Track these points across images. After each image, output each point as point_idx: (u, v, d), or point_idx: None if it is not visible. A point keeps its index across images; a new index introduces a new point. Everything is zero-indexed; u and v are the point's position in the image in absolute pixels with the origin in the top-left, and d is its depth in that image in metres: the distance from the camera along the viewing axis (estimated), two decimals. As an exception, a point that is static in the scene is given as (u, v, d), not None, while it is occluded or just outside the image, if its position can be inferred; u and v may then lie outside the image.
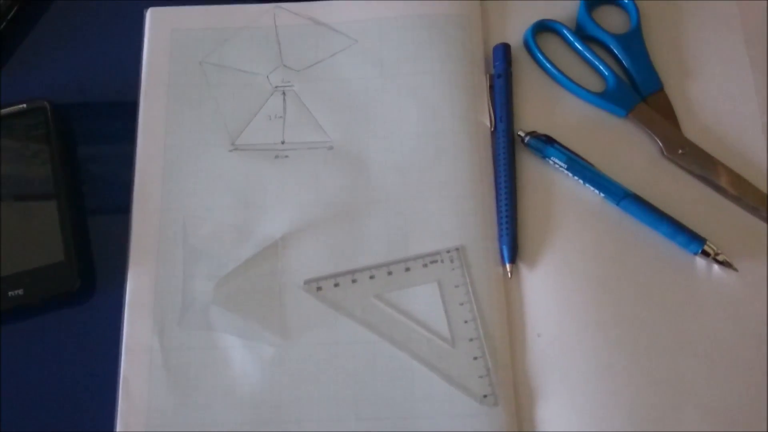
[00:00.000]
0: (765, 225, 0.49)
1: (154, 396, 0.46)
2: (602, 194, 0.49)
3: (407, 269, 0.48)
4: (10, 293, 0.47)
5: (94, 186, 0.52)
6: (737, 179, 0.50)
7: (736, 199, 0.49)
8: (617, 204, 0.49)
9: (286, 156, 0.51)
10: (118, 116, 0.54)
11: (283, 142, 0.51)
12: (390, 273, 0.48)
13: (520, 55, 0.54)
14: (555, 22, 0.54)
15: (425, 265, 0.48)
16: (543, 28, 0.54)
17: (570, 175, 0.50)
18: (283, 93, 0.53)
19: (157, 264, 0.48)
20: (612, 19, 0.55)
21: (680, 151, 0.50)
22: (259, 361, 0.46)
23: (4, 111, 0.52)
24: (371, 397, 0.45)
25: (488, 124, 0.51)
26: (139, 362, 0.46)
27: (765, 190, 0.49)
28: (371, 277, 0.48)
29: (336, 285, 0.48)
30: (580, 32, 0.54)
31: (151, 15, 0.55)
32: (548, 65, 0.53)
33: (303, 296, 0.48)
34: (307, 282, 0.48)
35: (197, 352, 0.47)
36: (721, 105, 0.52)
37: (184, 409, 0.45)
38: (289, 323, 0.47)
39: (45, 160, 0.51)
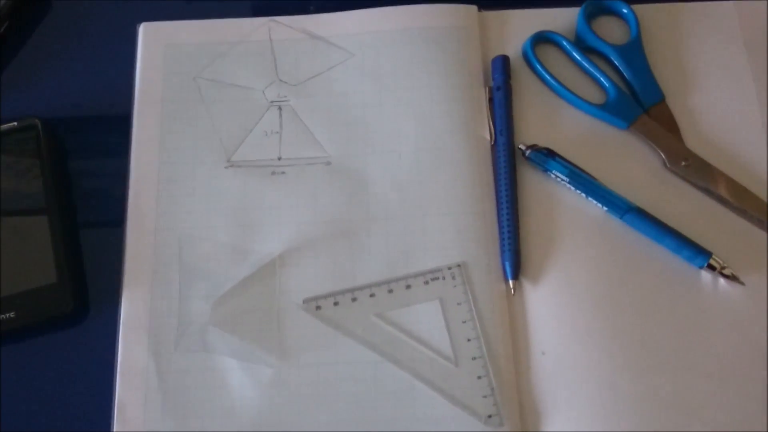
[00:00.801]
0: (770, 237, 0.48)
1: (149, 420, 0.45)
2: (605, 208, 0.48)
3: (408, 287, 0.47)
4: (2, 316, 0.46)
5: (87, 205, 0.51)
6: (741, 191, 0.49)
7: (741, 212, 0.49)
8: (621, 218, 0.48)
9: (283, 172, 0.50)
10: (112, 133, 0.53)
11: (279, 158, 0.51)
12: (391, 291, 0.47)
13: (519, 68, 0.53)
14: (554, 33, 0.53)
15: (426, 283, 0.47)
16: (542, 39, 0.53)
17: (572, 188, 0.49)
18: (279, 108, 0.52)
19: (152, 284, 0.47)
20: (611, 30, 0.54)
21: (683, 163, 0.50)
22: (258, 384, 0.45)
23: (-5, 129, 0.51)
24: (373, 418, 0.44)
25: (488, 137, 0.51)
26: (134, 385, 0.45)
27: (770, 202, 0.49)
28: (371, 296, 0.47)
29: (336, 304, 0.47)
30: (580, 43, 0.53)
31: (144, 30, 0.54)
32: (548, 77, 0.52)
33: (302, 316, 0.47)
34: (306, 301, 0.47)
35: (194, 375, 0.45)
36: (724, 115, 0.52)
37: (181, 434, 0.44)
38: (288, 344, 0.46)
39: (36, 178, 0.49)
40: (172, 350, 0.46)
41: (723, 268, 0.46)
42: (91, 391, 0.46)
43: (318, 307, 0.47)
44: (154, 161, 0.50)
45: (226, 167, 0.50)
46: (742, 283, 0.47)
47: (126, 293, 0.47)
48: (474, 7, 0.54)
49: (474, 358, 0.45)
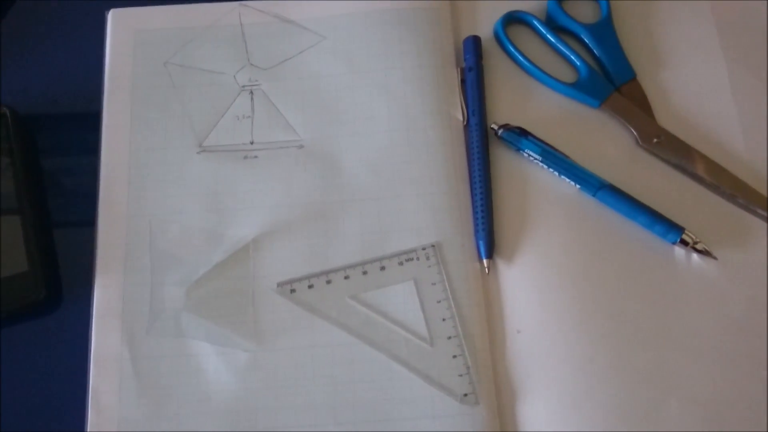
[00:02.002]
0: (743, 212, 0.49)
1: (124, 406, 0.44)
2: (578, 186, 0.48)
3: (382, 268, 0.47)
4: (-28, 306, 0.46)
5: (57, 193, 0.51)
6: (713, 167, 0.49)
7: (713, 187, 0.49)
8: (593, 195, 0.48)
9: (256, 156, 0.50)
10: (82, 121, 0.52)
11: (252, 143, 0.50)
12: (365, 272, 0.47)
13: (491, 48, 0.53)
14: (525, 13, 0.53)
15: (401, 264, 0.47)
16: (513, 19, 0.53)
17: (545, 167, 0.49)
18: (251, 92, 0.52)
19: (125, 271, 0.47)
20: (582, 9, 0.54)
21: (655, 140, 0.50)
22: (233, 368, 0.45)
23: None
24: (349, 400, 0.44)
25: (461, 118, 0.51)
26: (108, 372, 0.45)
27: (741, 177, 0.49)
28: (346, 278, 0.47)
29: (310, 286, 0.47)
30: (551, 23, 0.53)
31: (113, 16, 0.53)
32: (520, 57, 0.52)
33: (276, 299, 0.46)
34: (281, 284, 0.47)
35: (169, 361, 0.45)
36: (695, 92, 0.52)
37: (157, 419, 0.44)
38: (263, 327, 0.46)
39: (6, 167, 0.49)
40: (146, 336, 0.46)
41: (696, 243, 0.47)
42: (65, 379, 0.46)
43: (292, 290, 0.47)
44: (125, 148, 0.50)
45: (197, 152, 0.50)
46: (714, 258, 0.47)
47: (99, 280, 0.47)
48: (445, -12, 0.54)
49: (449, 338, 0.45)
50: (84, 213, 0.49)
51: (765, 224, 0.48)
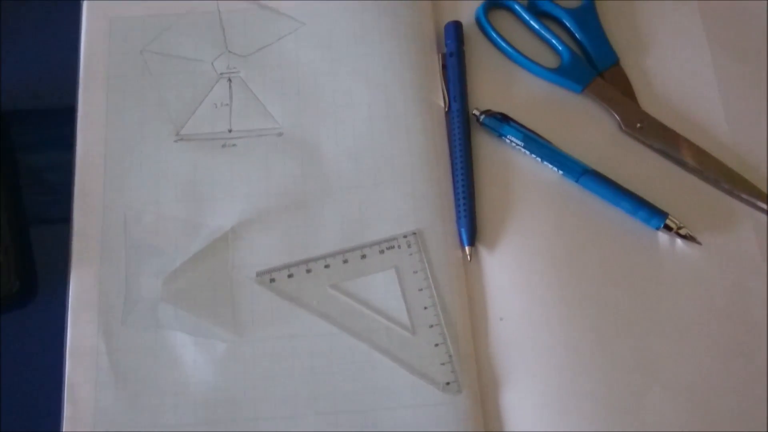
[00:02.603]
0: (727, 197, 0.48)
1: (101, 399, 0.43)
2: (561, 171, 0.48)
3: (363, 256, 0.46)
4: (-55, 300, 0.45)
5: (31, 184, 0.50)
6: (697, 151, 0.49)
7: (697, 172, 0.48)
8: (576, 181, 0.48)
9: (234, 144, 0.49)
10: (58, 111, 0.51)
11: (230, 131, 0.49)
12: (346, 261, 0.46)
13: (472, 33, 0.52)
14: (507, -2, 0.53)
15: (382, 252, 0.46)
16: (494, 4, 0.53)
17: (527, 153, 0.48)
18: (229, 80, 0.51)
19: (101, 262, 0.46)
20: (565, -6, 0.54)
21: (638, 125, 0.49)
22: (212, 359, 0.44)
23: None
24: (330, 391, 0.44)
25: (442, 104, 0.50)
26: (84, 365, 0.44)
27: (725, 162, 0.48)
28: (326, 266, 0.46)
29: (290, 276, 0.46)
30: (533, 8, 0.53)
31: (88, 4, 0.52)
32: (501, 42, 0.51)
33: (256, 289, 0.46)
34: (260, 274, 0.46)
35: (146, 353, 0.44)
36: (678, 77, 0.51)
37: (134, 412, 0.43)
38: (242, 318, 0.45)
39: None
40: (123, 329, 0.45)
41: (680, 228, 0.46)
42: (40, 373, 0.45)
43: (272, 280, 0.46)
44: (100, 137, 0.49)
45: (175, 141, 0.49)
46: (699, 243, 0.46)
47: (74, 272, 0.46)
48: (426, -27, 0.53)
49: (431, 326, 0.45)
50: (59, 202, 0.48)
51: (749, 209, 0.48)
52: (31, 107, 0.52)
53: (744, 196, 0.48)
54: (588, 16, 0.52)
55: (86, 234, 0.47)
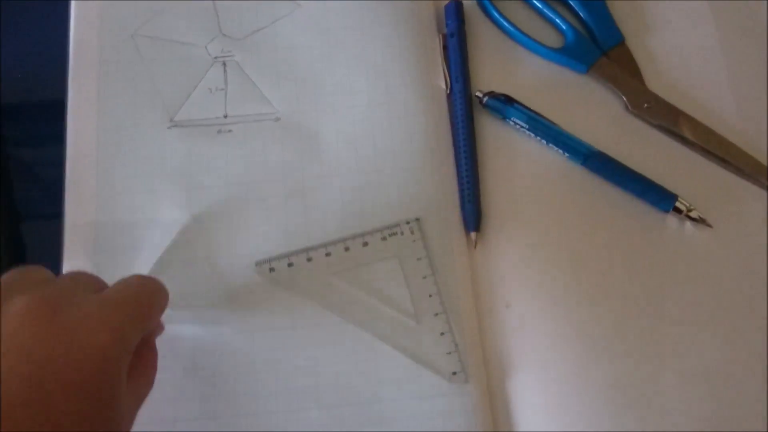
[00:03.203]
0: (736, 177, 0.47)
1: (97, 396, 0.42)
2: (567, 154, 0.47)
3: (365, 244, 0.45)
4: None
5: (21, 177, 0.48)
6: (705, 131, 0.47)
7: (706, 153, 0.47)
8: (583, 163, 0.46)
9: (230, 130, 0.48)
10: (46, 100, 0.50)
11: (225, 116, 0.48)
12: (347, 249, 0.45)
13: (473, 13, 0.51)
14: (508, -24, 0.51)
15: (384, 239, 0.45)
16: (496, -17, 0.51)
17: (532, 135, 0.47)
18: (224, 64, 0.49)
19: (95, 256, 0.45)
20: (568, -28, 0.52)
21: (645, 105, 0.48)
22: (211, 352, 0.43)
23: None
24: (333, 382, 0.42)
25: (443, 86, 0.49)
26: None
27: (734, 142, 0.47)
28: (327, 255, 0.45)
29: (290, 265, 0.45)
30: (536, -14, 0.51)
31: (77, -12, 0.51)
32: (504, 22, 0.50)
33: (255, 279, 0.44)
34: (259, 263, 0.45)
35: (143, 346, 0.43)
36: (685, 55, 0.50)
37: (131, 408, 0.42)
38: (241, 309, 0.44)
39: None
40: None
41: (690, 210, 0.45)
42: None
43: (272, 269, 0.44)
44: (92, 125, 0.47)
45: (169, 128, 0.48)
46: (709, 226, 0.45)
47: (67, 267, 0.45)
48: (424, -48, 0.52)
49: (436, 315, 0.43)
50: (50, 195, 0.47)
51: (759, 189, 0.47)
52: (19, 97, 0.50)
53: (754, 176, 0.46)
54: (592, -6, 0.50)
55: (79, 227, 0.45)
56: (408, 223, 0.45)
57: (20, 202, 0.48)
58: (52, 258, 0.45)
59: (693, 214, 0.45)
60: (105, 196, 0.46)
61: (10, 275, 0.34)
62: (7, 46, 0.51)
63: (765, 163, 0.47)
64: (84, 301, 0.33)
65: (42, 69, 0.51)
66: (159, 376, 0.42)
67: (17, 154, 0.49)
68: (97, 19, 0.50)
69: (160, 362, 0.42)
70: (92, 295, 0.34)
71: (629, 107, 0.48)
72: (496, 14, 0.50)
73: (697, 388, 0.42)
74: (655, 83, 0.49)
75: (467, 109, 0.47)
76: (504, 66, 0.50)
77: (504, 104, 0.47)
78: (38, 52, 0.51)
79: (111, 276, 0.44)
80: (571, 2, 0.50)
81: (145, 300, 0.36)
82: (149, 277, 0.38)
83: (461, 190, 0.46)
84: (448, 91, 0.48)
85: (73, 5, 0.50)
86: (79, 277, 0.36)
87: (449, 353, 0.43)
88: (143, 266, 0.44)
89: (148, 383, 0.37)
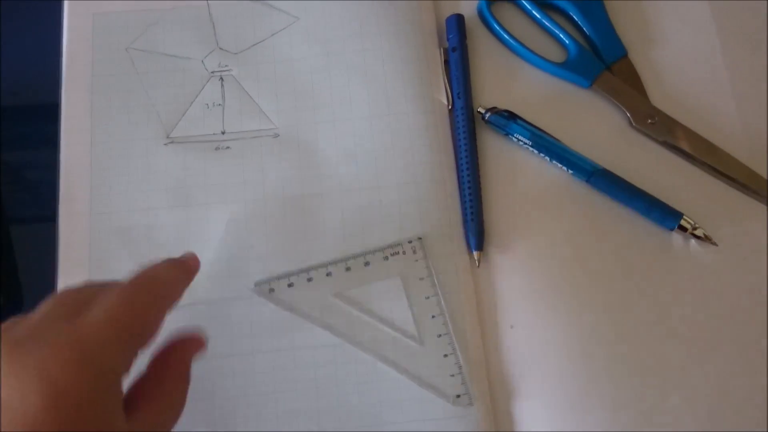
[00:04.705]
0: (742, 194, 0.46)
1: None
2: (570, 171, 0.46)
3: (367, 263, 0.44)
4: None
5: (14, 191, 0.47)
6: (710, 147, 0.47)
7: (711, 169, 0.47)
8: (587, 180, 0.46)
9: (228, 147, 0.47)
10: (39, 113, 0.49)
11: (223, 132, 0.47)
12: (348, 269, 0.44)
13: (475, 27, 0.50)
14: (510, -11, 0.50)
15: (386, 258, 0.44)
16: (498, -4, 0.51)
17: (535, 152, 0.46)
18: (221, 78, 0.48)
19: (89, 274, 0.44)
20: (570, -16, 0.51)
21: (649, 121, 0.47)
22: (209, 374, 0.42)
23: None
24: (335, 406, 0.42)
25: (445, 101, 0.48)
26: (74, 384, 0.42)
27: (739, 158, 0.47)
28: (328, 275, 0.44)
29: (290, 285, 0.44)
30: (538, -1, 0.51)
31: (70, 1, 0.50)
32: (506, 36, 0.49)
33: (254, 300, 0.43)
34: (258, 284, 0.44)
35: (136, 369, 0.42)
36: (689, 70, 0.49)
37: None
38: (241, 330, 0.43)
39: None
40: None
41: (695, 228, 0.44)
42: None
43: (271, 290, 0.44)
44: (86, 141, 0.46)
45: (165, 144, 0.47)
46: (715, 244, 0.45)
47: (61, 284, 0.44)
48: (425, -36, 0.51)
49: (439, 336, 0.43)
50: (44, 211, 0.46)
51: (765, 207, 0.46)
52: (13, 108, 0.49)
53: (759, 193, 0.46)
54: (595, 8, 0.50)
55: (73, 244, 0.45)
56: (410, 242, 0.44)
57: (12, 206, 0.47)
58: (47, 277, 0.44)
59: (698, 232, 0.44)
60: (100, 215, 0.45)
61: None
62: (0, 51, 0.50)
63: (770, 180, 0.46)
64: (54, 334, 0.29)
65: (35, 77, 0.50)
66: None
67: (9, 159, 0.48)
68: (89, 31, 0.49)
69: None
70: (67, 324, 0.29)
71: (633, 123, 0.48)
72: (498, 28, 0.49)
73: (702, 408, 0.42)
74: (658, 97, 0.48)
75: (469, 125, 0.46)
76: (506, 80, 0.49)
77: (507, 120, 0.47)
78: (32, 60, 0.50)
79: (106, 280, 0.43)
80: (573, 16, 0.50)
81: (138, 311, 0.31)
82: (149, 273, 0.34)
83: (464, 209, 0.45)
84: (450, 107, 0.48)
85: (65, 17, 0.49)
86: (61, 300, 0.32)
87: (453, 375, 0.42)
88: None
89: (167, 416, 0.33)
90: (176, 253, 0.44)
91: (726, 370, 0.43)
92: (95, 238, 0.44)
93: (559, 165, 0.46)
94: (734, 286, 0.44)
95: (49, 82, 0.48)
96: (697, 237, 0.45)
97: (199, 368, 0.42)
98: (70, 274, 0.44)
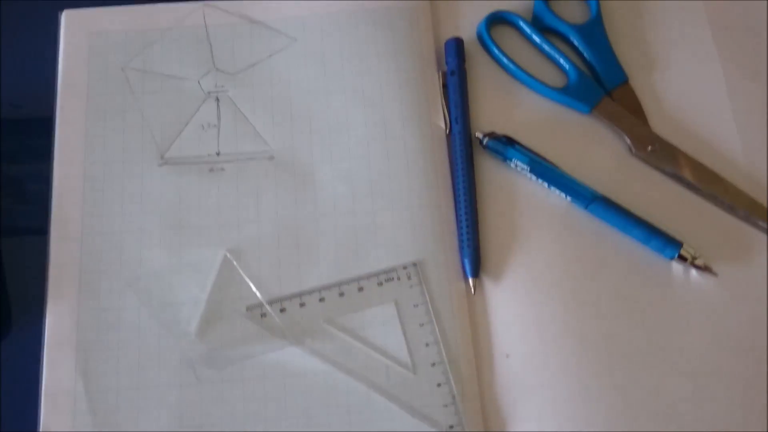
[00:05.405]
0: (743, 224, 0.46)
1: (78, 446, 0.40)
2: (569, 198, 0.45)
3: (360, 289, 0.44)
4: None
5: (7, 211, 0.47)
6: (711, 176, 0.46)
7: (712, 198, 0.46)
8: (585, 207, 0.45)
9: (222, 169, 0.46)
10: (33, 132, 0.49)
11: (218, 154, 0.47)
12: (342, 294, 0.43)
13: (474, 51, 0.50)
14: (510, 13, 0.50)
15: (380, 284, 0.44)
16: (498, 20, 0.50)
17: (533, 178, 0.46)
18: (217, 99, 0.48)
19: (80, 296, 0.43)
20: (571, 9, 0.51)
21: (650, 148, 0.47)
22: (198, 401, 0.41)
23: None
24: (325, 434, 0.41)
25: (443, 125, 0.47)
26: (61, 409, 0.41)
27: (740, 187, 0.46)
28: (321, 300, 0.43)
29: (282, 310, 0.43)
30: (538, 24, 0.50)
31: (67, 18, 0.50)
32: (505, 60, 0.49)
33: (246, 325, 0.43)
34: (250, 308, 0.43)
35: (127, 393, 0.42)
36: (690, 96, 0.49)
37: (113, 460, 0.40)
38: (231, 356, 0.42)
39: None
40: (102, 368, 0.42)
41: (695, 258, 0.44)
42: (13, 416, 0.42)
43: (263, 315, 0.43)
44: (79, 160, 0.46)
45: (159, 165, 0.46)
46: (714, 274, 0.44)
47: (51, 307, 0.43)
48: (425, -13, 0.51)
49: (433, 364, 0.42)
50: (35, 231, 0.45)
51: (765, 237, 0.45)
52: (5, 128, 0.49)
53: (761, 223, 0.45)
54: (595, 33, 0.49)
55: (63, 265, 0.44)
56: (405, 267, 0.44)
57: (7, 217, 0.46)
58: (37, 298, 0.43)
59: (698, 262, 0.44)
60: (92, 236, 0.45)
61: None
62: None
63: (772, 209, 0.46)
64: None
65: (32, 91, 0.49)
66: (143, 428, 0.41)
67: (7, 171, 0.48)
68: (86, 50, 0.49)
69: (146, 412, 0.40)
70: None
71: (633, 150, 0.47)
72: (497, 52, 0.49)
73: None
74: (659, 124, 0.48)
75: (467, 150, 0.46)
76: (505, 105, 0.49)
77: (505, 145, 0.46)
78: (29, 74, 0.50)
79: (97, 320, 0.43)
80: (574, 41, 0.49)
81: None
82: None
83: (460, 234, 0.45)
84: (448, 131, 0.47)
85: (62, 36, 0.49)
86: None
87: (446, 405, 0.41)
88: (129, 310, 0.43)
89: None
90: (169, 275, 0.43)
91: (725, 402, 0.42)
92: (86, 260, 0.44)
93: (558, 191, 0.46)
94: (734, 317, 0.44)
95: (44, 100, 0.48)
96: (698, 267, 0.44)
97: (189, 394, 0.41)
98: (60, 297, 0.43)
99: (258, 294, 0.43)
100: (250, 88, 0.48)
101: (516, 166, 0.46)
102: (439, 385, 0.42)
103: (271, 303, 0.43)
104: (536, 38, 0.50)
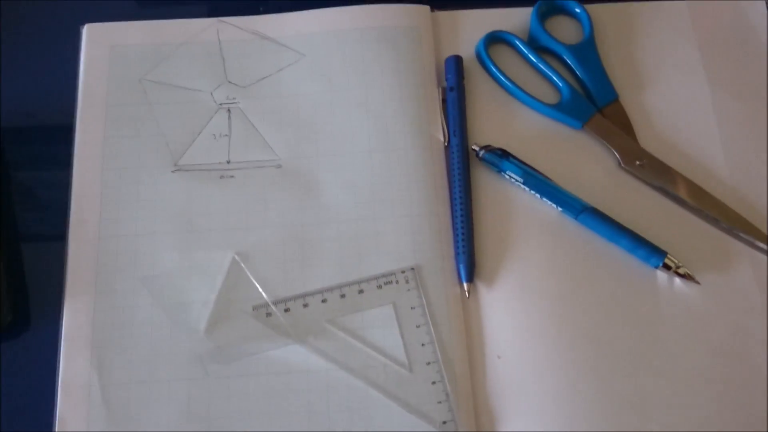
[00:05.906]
0: (725, 236, 0.48)
1: (92, 435, 0.43)
2: (560, 208, 0.48)
3: (361, 291, 0.46)
4: (-64, 330, 0.44)
5: (27, 213, 0.49)
6: (696, 190, 0.49)
7: (696, 211, 0.48)
8: (575, 218, 0.47)
9: (232, 176, 0.49)
10: (54, 138, 0.51)
11: (228, 162, 0.49)
12: (343, 296, 0.46)
13: (472, 68, 0.52)
14: (507, 33, 0.53)
15: (379, 287, 0.46)
16: (495, 39, 0.53)
17: (527, 189, 0.48)
18: (228, 110, 0.50)
19: (96, 294, 0.46)
20: (565, 30, 0.54)
21: (638, 163, 0.49)
22: (206, 395, 0.44)
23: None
24: (325, 428, 0.43)
25: (442, 138, 0.50)
26: (76, 400, 0.43)
27: (724, 201, 0.48)
28: (323, 301, 0.46)
29: (286, 310, 0.45)
30: (533, 43, 0.53)
31: (88, 31, 0.52)
32: (501, 77, 0.51)
33: (252, 323, 0.45)
34: (256, 308, 0.45)
35: (139, 387, 0.44)
36: (677, 114, 0.51)
37: (126, 449, 0.42)
38: (237, 353, 0.44)
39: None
40: (116, 362, 0.44)
41: (678, 267, 0.46)
42: (31, 407, 0.44)
43: (268, 314, 0.45)
44: (97, 166, 0.49)
45: (172, 172, 0.49)
46: (697, 283, 0.46)
47: (68, 304, 0.45)
48: (426, 7, 0.53)
49: (428, 363, 0.44)
50: (54, 233, 0.48)
51: (748, 248, 0.48)
52: (28, 135, 0.51)
53: (743, 235, 0.48)
54: (588, 52, 0.52)
55: (81, 264, 0.46)
56: (403, 272, 0.46)
57: (23, 231, 0.49)
58: (55, 295, 0.46)
59: (681, 271, 0.46)
60: (108, 237, 0.47)
61: None
62: (18, 80, 0.52)
63: (753, 222, 0.48)
64: None
65: (52, 100, 0.52)
66: (154, 420, 0.43)
67: (20, 177, 0.50)
68: (106, 62, 0.51)
69: (157, 405, 0.42)
70: None
71: (622, 164, 0.49)
72: (494, 69, 0.51)
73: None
74: (647, 140, 0.50)
75: (464, 162, 0.48)
76: (501, 120, 0.51)
77: (500, 158, 0.48)
78: (49, 84, 0.52)
79: (112, 317, 0.45)
80: (567, 60, 0.52)
81: None
82: None
83: (456, 241, 0.47)
84: (446, 143, 0.50)
85: (83, 47, 0.52)
86: None
87: (440, 402, 0.43)
88: (143, 308, 0.45)
89: None
90: (180, 276, 0.46)
91: (707, 406, 0.44)
92: (102, 261, 0.46)
93: (549, 202, 0.48)
94: (716, 324, 0.46)
95: (65, 109, 0.50)
96: (681, 275, 0.46)
97: (197, 387, 0.44)
98: (77, 295, 0.46)
99: (264, 294, 0.46)
100: (260, 101, 0.51)
101: (510, 177, 0.48)
102: (433, 383, 0.44)
103: (276, 303, 0.46)
104: (531, 57, 0.52)
